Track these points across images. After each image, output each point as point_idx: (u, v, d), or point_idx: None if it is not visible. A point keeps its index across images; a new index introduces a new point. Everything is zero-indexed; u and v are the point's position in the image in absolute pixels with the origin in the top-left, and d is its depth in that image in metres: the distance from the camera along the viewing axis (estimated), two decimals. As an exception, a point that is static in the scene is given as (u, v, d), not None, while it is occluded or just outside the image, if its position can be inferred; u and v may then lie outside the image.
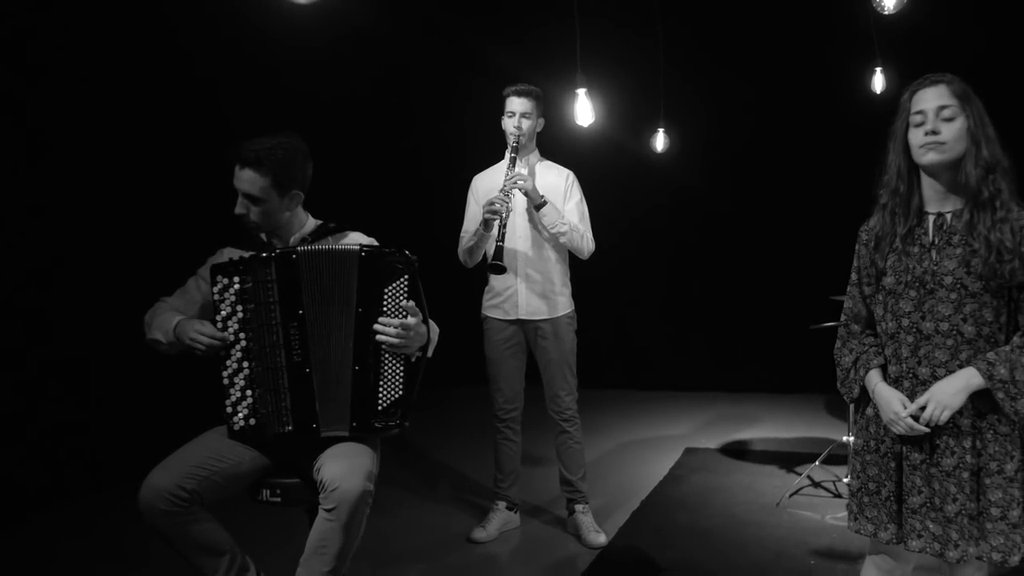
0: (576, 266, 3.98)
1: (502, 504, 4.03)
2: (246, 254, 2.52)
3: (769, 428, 5.77)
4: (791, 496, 4.28)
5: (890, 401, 2.14)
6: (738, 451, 5.27)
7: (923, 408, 2.08)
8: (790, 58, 6.13)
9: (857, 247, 2.30)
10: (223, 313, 2.47)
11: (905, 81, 2.26)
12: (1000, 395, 2.04)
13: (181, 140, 4.75)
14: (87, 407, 4.50)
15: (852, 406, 2.45)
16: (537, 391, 3.99)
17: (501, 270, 3.60)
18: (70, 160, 4.40)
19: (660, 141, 5.90)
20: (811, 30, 5.81)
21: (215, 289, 2.48)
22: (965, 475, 2.08)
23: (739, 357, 6.80)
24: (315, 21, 2.24)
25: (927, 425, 2.08)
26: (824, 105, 5.86)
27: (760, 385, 6.64)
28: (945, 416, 2.05)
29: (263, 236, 2.68)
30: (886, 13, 3.30)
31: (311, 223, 2.72)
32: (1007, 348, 2.06)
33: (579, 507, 3.96)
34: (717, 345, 6.91)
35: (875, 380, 2.21)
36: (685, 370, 7.02)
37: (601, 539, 3.84)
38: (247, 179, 2.53)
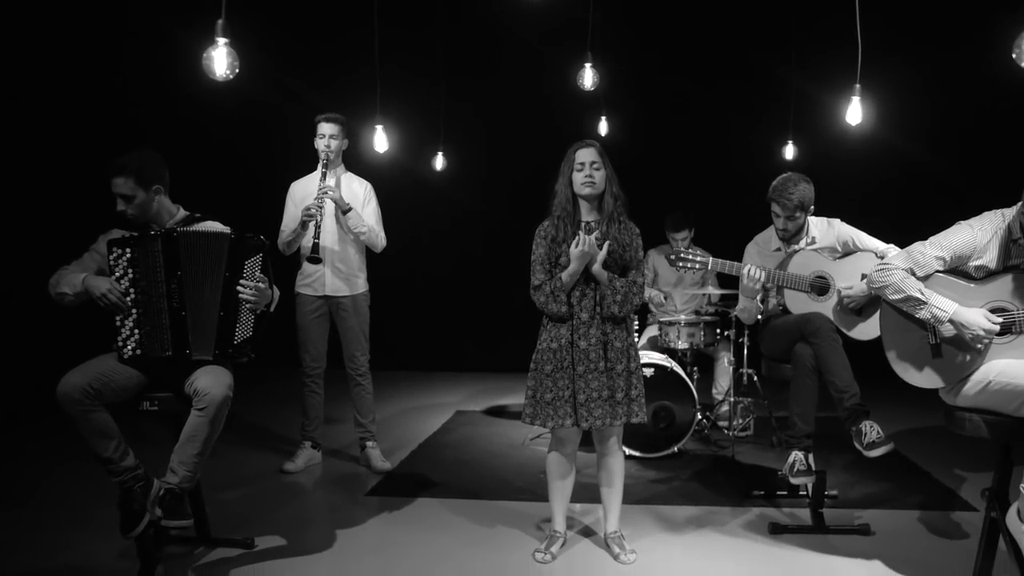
0: (374, 263, 4.99)
1: (308, 444, 4.96)
2: (135, 233, 3.40)
3: (520, 396, 6.96)
4: (532, 439, 5.55)
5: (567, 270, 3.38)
6: (498, 412, 6.54)
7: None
8: (538, 98, 7.61)
9: (537, 240, 3.53)
10: (116, 274, 3.34)
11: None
12: (607, 291, 3.38)
13: (97, 152, 5.64)
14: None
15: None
16: (339, 373, 4.96)
17: (318, 261, 4.56)
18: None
19: (439, 162, 7.27)
20: (550, 84, 7.23)
21: (111, 257, 3.34)
22: (607, 372, 3.44)
23: (504, 342, 7.91)
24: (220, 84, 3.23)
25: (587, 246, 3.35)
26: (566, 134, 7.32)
27: (521, 365, 7.76)
28: (594, 254, 3.37)
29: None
30: (586, 90, 4.65)
31: (181, 213, 3.59)
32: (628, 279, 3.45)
33: (369, 443, 4.98)
34: (487, 332, 8.18)
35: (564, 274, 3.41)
36: (461, 353, 8.28)
37: (386, 466, 4.90)
38: (118, 183, 3.38)
